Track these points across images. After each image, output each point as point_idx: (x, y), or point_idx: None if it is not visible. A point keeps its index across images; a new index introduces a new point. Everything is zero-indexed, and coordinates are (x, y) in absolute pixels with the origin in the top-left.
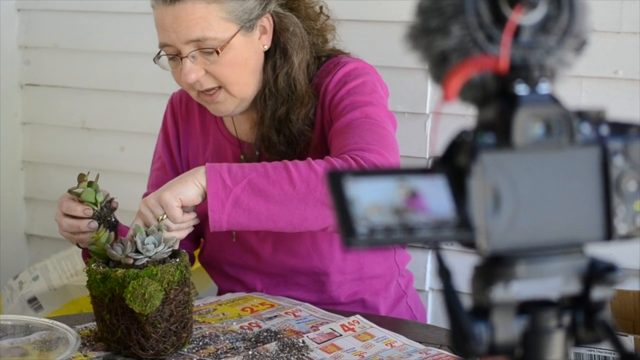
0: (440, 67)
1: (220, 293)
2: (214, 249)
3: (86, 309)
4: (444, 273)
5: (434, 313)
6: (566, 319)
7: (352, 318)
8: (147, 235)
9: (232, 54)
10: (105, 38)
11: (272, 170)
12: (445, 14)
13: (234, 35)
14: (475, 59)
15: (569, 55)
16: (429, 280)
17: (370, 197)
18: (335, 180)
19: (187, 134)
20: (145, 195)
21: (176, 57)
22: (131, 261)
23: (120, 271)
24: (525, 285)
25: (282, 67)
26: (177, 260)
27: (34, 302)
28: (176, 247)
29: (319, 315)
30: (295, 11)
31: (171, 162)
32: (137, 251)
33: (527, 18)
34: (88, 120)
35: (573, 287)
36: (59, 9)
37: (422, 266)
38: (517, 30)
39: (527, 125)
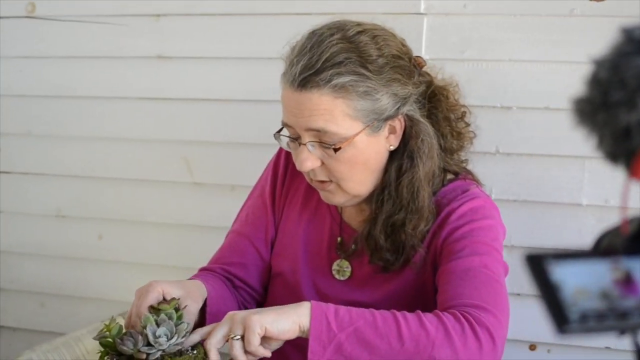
0: (622, 143)
1: None
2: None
3: None
4: None
5: None
6: None
7: None
8: (158, 325)
9: (352, 152)
10: (79, 123)
11: (381, 321)
12: (629, 86)
13: (357, 134)
14: None
15: None
16: None
17: (576, 281)
18: (537, 265)
19: (291, 185)
20: (230, 232)
21: (296, 140)
22: (144, 356)
23: None
24: None
25: (408, 172)
26: (195, 352)
27: None
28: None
29: None
30: (435, 109)
31: (272, 205)
32: (149, 344)
33: None
34: (63, 208)
35: None
36: (32, 94)
37: None
38: None
39: None
